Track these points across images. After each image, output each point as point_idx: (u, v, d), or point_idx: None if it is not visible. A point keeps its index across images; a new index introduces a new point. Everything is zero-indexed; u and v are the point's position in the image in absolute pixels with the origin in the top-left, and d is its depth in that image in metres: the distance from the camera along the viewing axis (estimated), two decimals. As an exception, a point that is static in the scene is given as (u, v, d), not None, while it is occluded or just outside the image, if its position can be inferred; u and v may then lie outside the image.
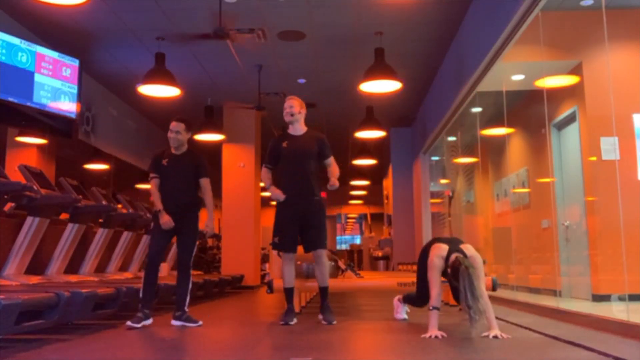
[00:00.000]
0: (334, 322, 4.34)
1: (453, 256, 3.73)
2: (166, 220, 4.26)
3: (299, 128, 4.60)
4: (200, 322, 4.30)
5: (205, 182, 4.48)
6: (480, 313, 3.51)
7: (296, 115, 4.54)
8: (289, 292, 4.52)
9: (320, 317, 4.44)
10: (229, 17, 6.46)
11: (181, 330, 4.09)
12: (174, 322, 4.27)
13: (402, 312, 4.57)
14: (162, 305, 5.57)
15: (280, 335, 3.84)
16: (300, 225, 4.46)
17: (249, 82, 8.68)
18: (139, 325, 4.07)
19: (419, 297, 4.21)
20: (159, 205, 4.33)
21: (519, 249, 7.04)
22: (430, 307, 3.71)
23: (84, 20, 6.68)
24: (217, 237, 11.98)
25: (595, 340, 3.33)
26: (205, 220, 4.52)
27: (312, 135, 4.61)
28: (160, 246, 4.35)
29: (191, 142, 4.62)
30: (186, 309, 4.33)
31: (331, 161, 4.63)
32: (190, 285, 4.40)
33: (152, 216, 4.43)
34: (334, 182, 4.47)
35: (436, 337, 3.54)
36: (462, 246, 3.83)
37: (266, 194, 4.57)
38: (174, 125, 4.44)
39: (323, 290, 4.56)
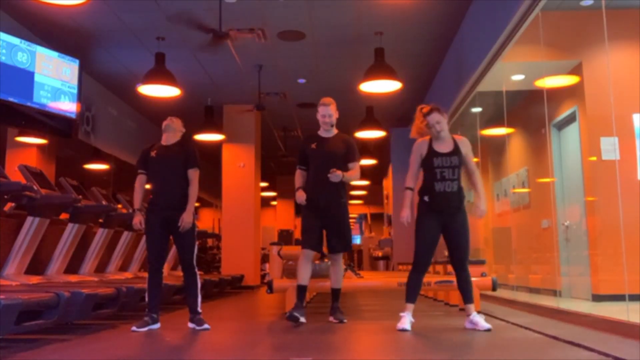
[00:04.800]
0: (345, 321, 4.39)
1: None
2: (136, 222, 4.12)
3: (331, 131, 4.62)
4: (207, 326, 4.07)
5: (192, 173, 4.18)
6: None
7: (334, 123, 4.59)
8: (301, 289, 4.41)
9: (330, 318, 4.48)
10: (229, 17, 6.46)
11: (181, 331, 4.08)
12: (190, 325, 4.11)
13: (406, 322, 3.96)
14: (161, 305, 5.55)
15: (280, 335, 3.84)
16: (325, 226, 4.47)
17: (249, 82, 8.68)
18: (144, 330, 3.96)
19: (415, 263, 4.06)
20: (136, 204, 4.20)
21: (519, 249, 7.04)
22: (404, 187, 4.08)
23: (84, 20, 6.68)
24: (217, 237, 11.99)
25: (595, 340, 3.33)
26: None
27: (341, 137, 4.62)
28: (158, 248, 4.15)
29: (190, 141, 4.51)
30: (199, 309, 4.14)
31: (354, 166, 4.57)
32: (199, 284, 4.18)
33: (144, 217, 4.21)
34: (338, 171, 4.36)
35: (406, 219, 4.00)
36: None
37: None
38: (171, 119, 4.36)
39: (336, 292, 4.60)
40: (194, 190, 4.18)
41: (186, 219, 4.08)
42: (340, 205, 4.51)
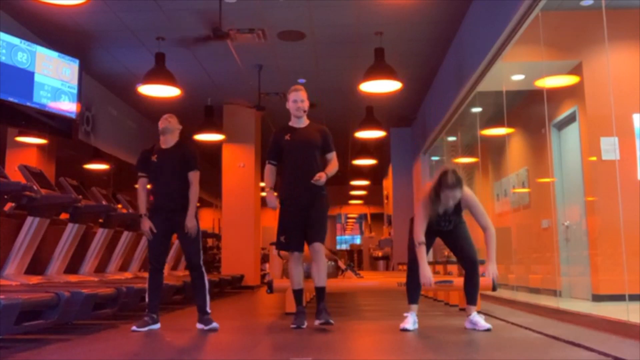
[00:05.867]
0: (332, 322, 3.98)
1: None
2: (146, 229, 4.08)
3: (302, 120, 4.36)
4: (216, 325, 4.05)
5: (193, 176, 4.15)
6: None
7: (306, 110, 4.32)
8: (298, 294, 4.26)
9: (316, 322, 4.00)
10: (229, 17, 6.46)
11: (181, 331, 4.08)
12: (198, 325, 4.09)
13: (410, 322, 4.00)
14: (161, 305, 5.55)
15: (280, 335, 3.84)
16: (305, 221, 4.17)
17: (249, 82, 8.68)
18: (144, 329, 3.96)
19: (410, 266, 4.05)
20: (142, 209, 4.14)
21: (519, 249, 7.04)
22: (417, 243, 3.77)
23: (84, 20, 6.68)
24: (217, 237, 12.00)
25: (595, 340, 3.33)
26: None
27: (315, 127, 4.36)
28: (160, 249, 4.16)
29: (189, 142, 4.45)
30: (208, 310, 4.11)
31: (332, 156, 4.35)
32: (207, 285, 4.17)
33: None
34: (321, 175, 4.11)
35: (430, 283, 3.73)
36: None
37: (266, 193, 4.46)
38: (166, 116, 4.25)
39: (319, 291, 4.16)
40: (194, 192, 4.15)
41: (190, 224, 4.08)
42: (321, 197, 4.22)
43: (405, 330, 3.87)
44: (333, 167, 4.29)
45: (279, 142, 4.31)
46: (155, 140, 4.37)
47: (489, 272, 3.80)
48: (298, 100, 4.29)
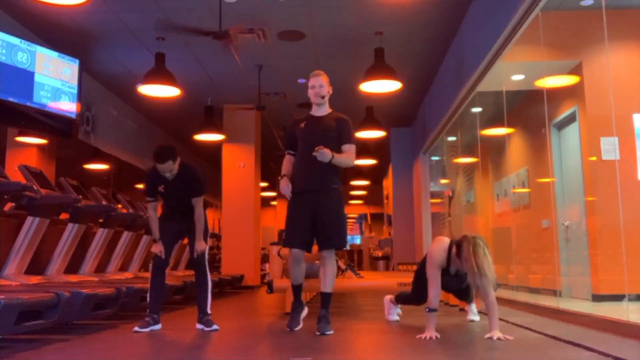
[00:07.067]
0: (327, 333, 3.75)
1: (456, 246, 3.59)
2: (157, 252, 4.09)
3: (323, 109, 4.13)
4: (217, 327, 4.04)
5: (196, 202, 4.13)
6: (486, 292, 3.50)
7: (326, 97, 4.09)
8: (296, 289, 4.10)
9: (317, 333, 3.77)
10: (229, 17, 6.46)
11: (182, 331, 4.08)
12: (198, 326, 4.09)
13: (394, 313, 4.46)
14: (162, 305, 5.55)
15: (280, 335, 3.84)
16: (314, 217, 3.91)
17: (249, 82, 8.68)
18: (146, 330, 3.94)
19: (415, 297, 4.07)
20: (155, 233, 4.14)
21: (519, 249, 7.04)
22: (427, 309, 3.60)
23: (84, 20, 6.68)
24: (217, 237, 12.00)
25: (595, 340, 3.33)
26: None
27: (334, 116, 4.10)
28: (167, 251, 4.17)
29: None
30: (209, 310, 4.11)
31: (348, 148, 4.01)
32: (210, 285, 4.18)
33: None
34: (326, 149, 3.81)
35: (431, 338, 3.47)
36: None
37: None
38: (162, 167, 3.95)
39: (324, 297, 3.97)
40: (198, 215, 4.16)
41: (199, 248, 4.15)
42: (331, 191, 3.94)
43: (394, 320, 4.04)
44: (345, 156, 3.99)
45: (294, 130, 4.12)
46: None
47: (495, 336, 3.45)
48: (316, 85, 4.07)
